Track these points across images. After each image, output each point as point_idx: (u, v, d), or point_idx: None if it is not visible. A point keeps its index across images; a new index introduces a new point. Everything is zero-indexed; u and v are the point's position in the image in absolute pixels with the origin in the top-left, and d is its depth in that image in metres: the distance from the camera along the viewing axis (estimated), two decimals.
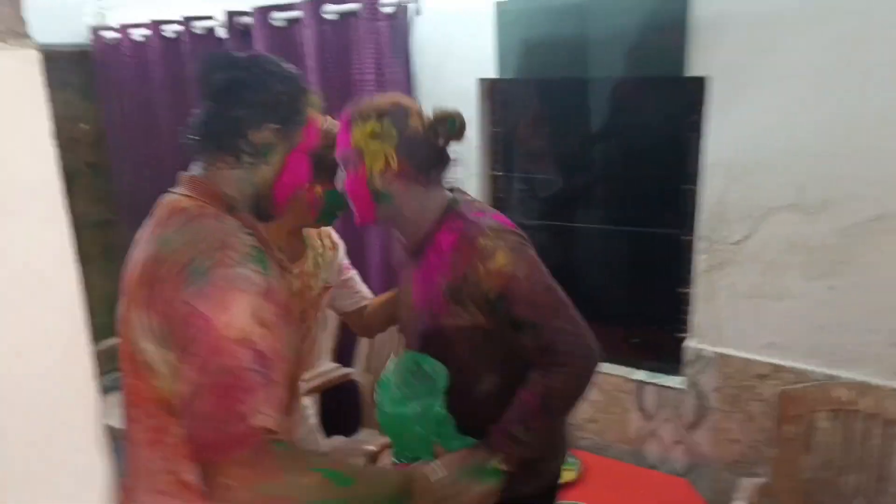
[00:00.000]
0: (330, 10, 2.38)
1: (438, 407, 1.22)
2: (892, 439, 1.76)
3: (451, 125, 1.23)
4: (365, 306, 1.69)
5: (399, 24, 2.29)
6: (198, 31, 2.76)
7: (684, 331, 2.11)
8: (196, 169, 1.07)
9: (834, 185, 1.75)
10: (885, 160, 1.67)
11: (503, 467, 1.18)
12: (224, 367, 0.86)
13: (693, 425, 2.11)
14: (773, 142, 1.80)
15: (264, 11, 2.53)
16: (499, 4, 2.07)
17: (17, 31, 0.97)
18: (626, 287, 2.29)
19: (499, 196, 2.38)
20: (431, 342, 1.27)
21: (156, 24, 2.82)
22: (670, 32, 1.84)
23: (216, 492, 0.87)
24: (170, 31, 2.81)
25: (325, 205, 1.44)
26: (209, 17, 2.73)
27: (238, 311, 0.88)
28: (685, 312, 2.10)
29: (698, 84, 1.88)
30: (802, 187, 1.79)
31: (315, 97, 1.12)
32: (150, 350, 0.94)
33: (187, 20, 2.75)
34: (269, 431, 0.87)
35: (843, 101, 1.69)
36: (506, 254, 1.17)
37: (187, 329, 0.88)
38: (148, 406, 0.98)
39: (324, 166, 1.37)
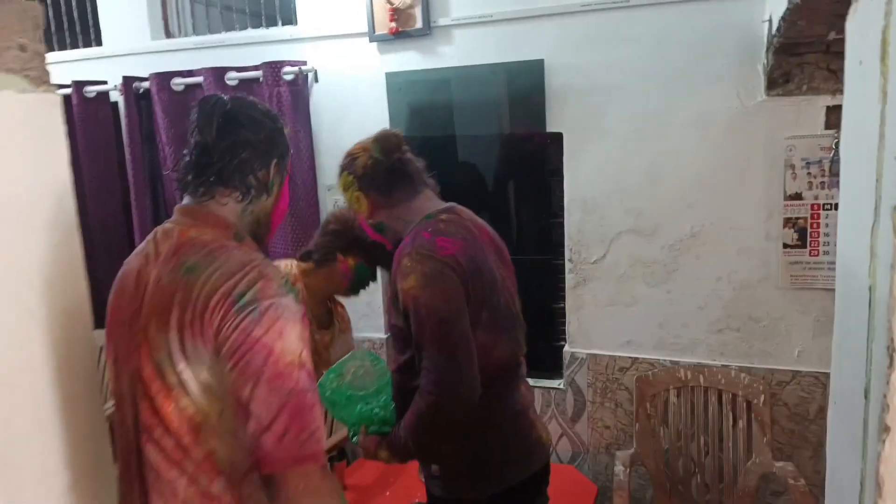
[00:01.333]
0: (232, 77, 2.62)
1: (387, 397, 1.51)
2: (724, 406, 2.27)
3: (380, 145, 1.43)
4: None
5: (298, 90, 2.58)
6: (89, 95, 2.84)
7: (561, 339, 2.54)
8: (190, 201, 1.13)
9: (658, 212, 2.28)
10: (689, 192, 2.23)
11: (393, 461, 1.45)
12: (291, 389, 0.98)
13: (573, 418, 2.52)
14: (611, 182, 2.31)
15: (164, 77, 2.70)
16: (388, 74, 2.45)
17: (44, 80, 1.16)
18: None
19: None
20: (392, 331, 1.48)
21: None
22: (533, 97, 2.31)
23: (282, 500, 1.00)
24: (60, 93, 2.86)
25: (356, 276, 1.77)
26: (102, 83, 2.84)
27: (290, 337, 1.00)
28: (561, 324, 2.53)
29: (557, 138, 2.36)
30: (637, 215, 2.30)
31: (286, 128, 1.23)
32: (184, 369, 1.02)
33: (78, 84, 2.83)
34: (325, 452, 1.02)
35: (655, 149, 2.24)
36: (417, 278, 1.31)
37: (249, 355, 0.98)
38: (171, 426, 1.04)
39: (358, 244, 1.73)
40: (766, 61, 2.04)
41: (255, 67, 2.58)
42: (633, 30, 2.19)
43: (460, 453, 1.44)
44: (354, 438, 1.51)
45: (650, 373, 2.35)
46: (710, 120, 2.17)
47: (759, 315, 2.23)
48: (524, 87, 2.33)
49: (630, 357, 2.40)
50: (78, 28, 3.08)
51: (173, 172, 1.19)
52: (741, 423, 2.24)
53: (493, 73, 2.35)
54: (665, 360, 2.36)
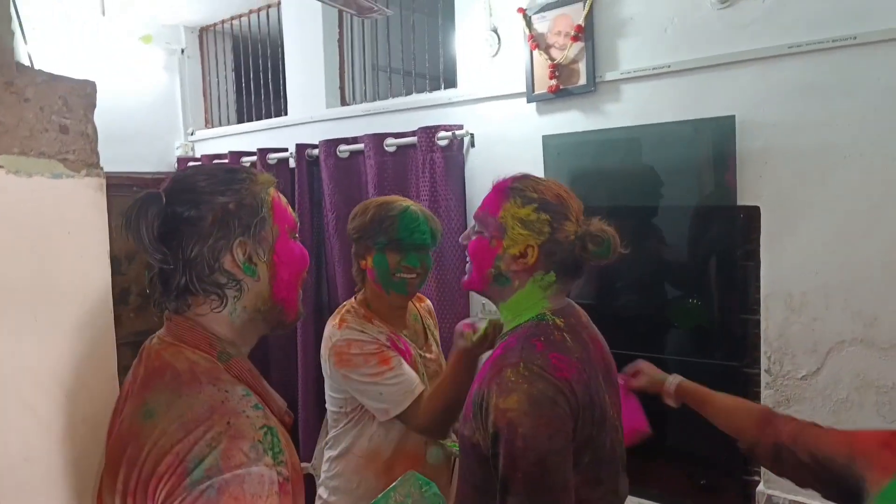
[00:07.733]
0: (390, 143, 2.55)
1: None
2: None
3: (602, 246, 1.14)
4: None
5: (452, 156, 2.40)
6: (271, 162, 2.98)
7: (753, 473, 1.94)
8: (179, 312, 0.91)
9: None
10: None
11: None
12: None
13: None
14: (829, 274, 1.72)
15: (331, 144, 2.72)
16: (546, 137, 2.16)
17: (88, 163, 1.09)
18: (689, 422, 2.14)
19: None
20: (462, 445, 1.17)
21: (234, 156, 3.08)
22: (719, 163, 1.85)
23: None
24: (246, 161, 3.06)
25: (379, 270, 1.56)
26: (283, 150, 2.96)
27: None
28: None
29: (752, 213, 1.85)
30: (870, 322, 1.67)
31: (263, 175, 0.95)
32: None
33: (262, 152, 2.99)
34: None
35: None
36: (520, 399, 1.02)
37: None
38: None
39: (363, 237, 1.57)
40: None
41: (413, 133, 2.48)
42: (864, 74, 1.64)
43: None
44: None
45: None
46: None
47: None
48: (708, 150, 1.87)
49: None
50: (272, 98, 3.30)
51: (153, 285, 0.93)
52: None
53: (669, 133, 1.93)
54: None
